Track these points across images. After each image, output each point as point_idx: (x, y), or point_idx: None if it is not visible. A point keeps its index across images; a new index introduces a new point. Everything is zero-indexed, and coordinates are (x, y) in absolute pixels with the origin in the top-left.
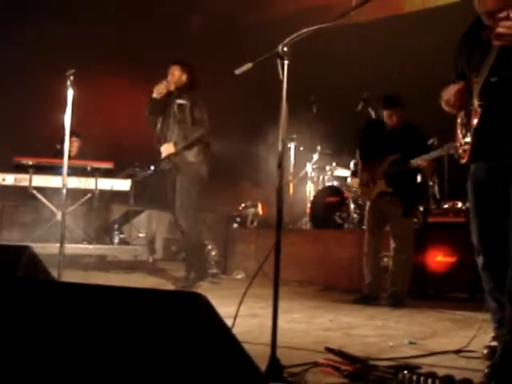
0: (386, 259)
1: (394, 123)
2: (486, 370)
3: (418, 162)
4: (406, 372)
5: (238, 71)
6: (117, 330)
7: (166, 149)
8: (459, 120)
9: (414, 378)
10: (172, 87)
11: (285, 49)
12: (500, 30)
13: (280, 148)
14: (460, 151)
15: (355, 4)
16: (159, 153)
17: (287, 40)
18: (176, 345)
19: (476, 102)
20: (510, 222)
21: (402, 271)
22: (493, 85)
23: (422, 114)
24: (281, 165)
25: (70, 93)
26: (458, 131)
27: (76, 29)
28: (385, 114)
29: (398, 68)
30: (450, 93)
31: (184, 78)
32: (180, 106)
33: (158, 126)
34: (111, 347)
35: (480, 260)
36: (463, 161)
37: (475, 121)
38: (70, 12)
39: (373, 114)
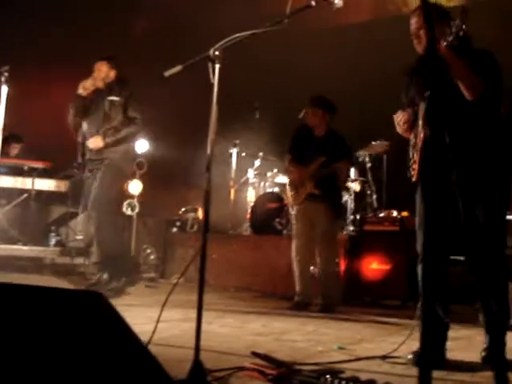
0: (312, 267)
1: (316, 125)
2: None
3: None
4: (328, 376)
5: (167, 73)
6: (13, 326)
7: (94, 142)
8: (411, 142)
9: (336, 382)
10: (100, 84)
11: (216, 52)
12: None
13: (208, 151)
14: (411, 170)
15: (289, 12)
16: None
17: (219, 44)
18: (73, 342)
19: (420, 122)
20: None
21: (331, 281)
22: (435, 110)
23: (362, 123)
24: (209, 168)
25: (4, 90)
26: (410, 152)
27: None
28: (308, 112)
29: (343, 77)
30: (399, 118)
31: (112, 74)
32: (111, 102)
33: (85, 125)
34: (7, 343)
35: (424, 264)
36: (414, 179)
37: (422, 139)
38: (13, 11)
39: None
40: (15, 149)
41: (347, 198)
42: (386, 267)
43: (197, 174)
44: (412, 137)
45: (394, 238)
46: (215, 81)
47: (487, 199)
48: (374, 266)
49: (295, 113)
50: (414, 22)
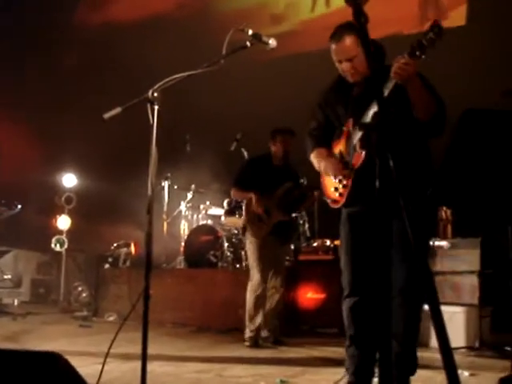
0: None
1: (285, 151)
2: None
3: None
4: None
5: (106, 116)
6: None
7: None
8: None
9: None
10: None
11: (155, 94)
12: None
13: (150, 192)
14: (335, 195)
15: (225, 53)
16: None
17: (157, 85)
18: None
19: (358, 145)
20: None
21: (278, 309)
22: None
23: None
24: (150, 210)
25: None
26: (331, 180)
27: None
28: (282, 139)
29: (274, 111)
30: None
31: None
32: None
33: None
34: None
35: (350, 301)
36: (337, 205)
37: (359, 161)
38: None
39: (245, 154)
40: None
41: None
42: (321, 296)
43: (128, 208)
44: (333, 162)
45: (328, 267)
46: (154, 122)
47: (414, 224)
48: (309, 295)
49: (227, 145)
50: (335, 54)
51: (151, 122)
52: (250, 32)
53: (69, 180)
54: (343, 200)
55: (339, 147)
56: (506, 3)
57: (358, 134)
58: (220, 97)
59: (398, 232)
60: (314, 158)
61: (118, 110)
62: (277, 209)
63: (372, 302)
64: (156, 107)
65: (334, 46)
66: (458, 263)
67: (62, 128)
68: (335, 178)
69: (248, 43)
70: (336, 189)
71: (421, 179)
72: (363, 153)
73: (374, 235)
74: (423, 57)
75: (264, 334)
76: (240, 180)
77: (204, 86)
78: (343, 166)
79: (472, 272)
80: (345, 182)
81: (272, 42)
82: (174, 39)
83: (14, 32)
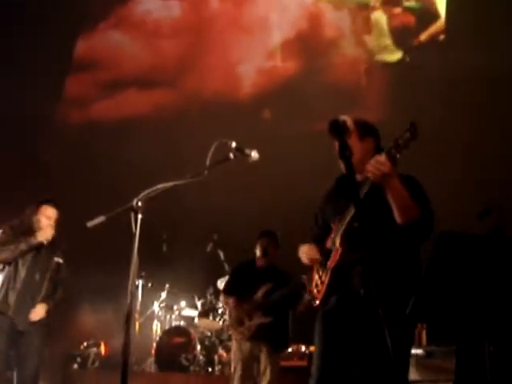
0: None
1: (263, 250)
2: None
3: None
4: None
5: (90, 224)
6: None
7: (38, 312)
8: (316, 266)
9: None
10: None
11: (139, 203)
12: (368, 167)
13: (128, 300)
14: (314, 291)
15: (209, 164)
16: None
17: (142, 195)
18: None
19: (338, 241)
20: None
21: None
22: (354, 230)
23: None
24: (129, 319)
25: None
26: (315, 271)
27: None
28: (261, 241)
29: (253, 207)
30: (304, 251)
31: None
32: (58, 264)
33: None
34: None
35: None
36: (316, 302)
37: (335, 258)
38: None
39: (221, 255)
40: None
41: None
42: None
43: (98, 303)
44: (320, 259)
45: (303, 374)
46: (137, 231)
47: (392, 332)
48: None
49: (203, 246)
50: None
51: (134, 230)
52: (234, 145)
53: None
54: (320, 296)
55: (328, 244)
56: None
57: (340, 230)
58: (197, 197)
59: (371, 343)
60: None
61: (101, 218)
62: (256, 311)
63: None
64: (140, 216)
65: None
66: (433, 373)
67: None
68: (310, 263)
69: (231, 155)
70: (316, 285)
71: (399, 291)
72: (339, 250)
73: (346, 335)
74: (398, 156)
75: None
76: (226, 287)
77: (182, 186)
78: (323, 258)
79: (448, 381)
80: (323, 279)
81: (254, 155)
82: (152, 140)
83: None
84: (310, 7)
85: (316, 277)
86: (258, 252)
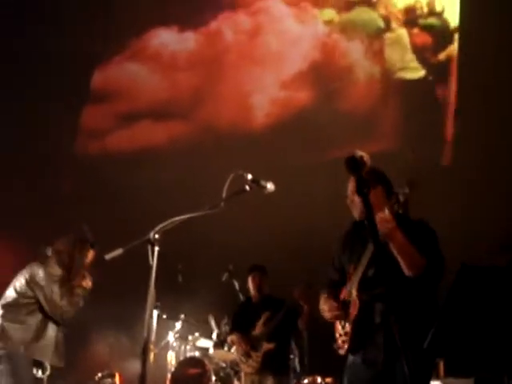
0: None
1: (257, 287)
2: None
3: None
4: None
5: (108, 256)
6: None
7: None
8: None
9: None
10: None
11: (156, 236)
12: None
13: (145, 333)
14: (339, 342)
15: (225, 196)
16: None
17: (159, 227)
18: None
19: (354, 293)
20: None
21: None
22: (370, 277)
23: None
24: (146, 352)
25: None
26: (338, 326)
27: None
28: (251, 276)
29: (266, 237)
30: (324, 307)
31: None
32: None
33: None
34: None
35: None
36: (342, 351)
37: (354, 312)
38: None
39: (236, 286)
40: None
41: None
42: None
43: (114, 333)
44: (337, 312)
45: None
46: (154, 263)
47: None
48: None
49: (219, 276)
50: (349, 185)
51: (151, 262)
52: (250, 177)
53: None
54: (345, 347)
55: (344, 293)
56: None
57: (355, 281)
58: (212, 226)
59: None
60: (320, 304)
61: (119, 251)
62: (260, 340)
63: None
64: (156, 249)
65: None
66: None
67: None
68: (331, 319)
69: (247, 187)
70: (340, 335)
71: (418, 325)
72: (357, 303)
73: None
74: (400, 211)
75: None
76: (232, 325)
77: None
78: (342, 311)
79: None
80: (347, 330)
81: (270, 186)
82: (167, 171)
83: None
84: (323, 37)
85: (339, 327)
86: (251, 288)
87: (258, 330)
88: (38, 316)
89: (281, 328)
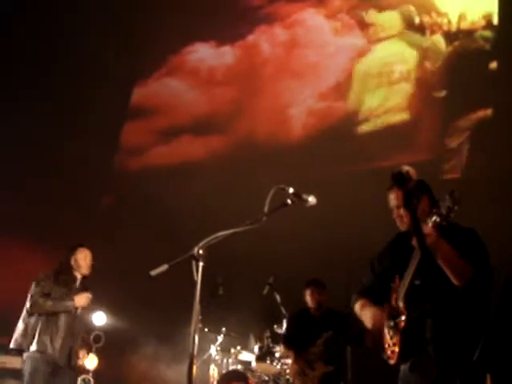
0: None
1: (317, 303)
2: None
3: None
4: None
5: (153, 272)
6: None
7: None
8: (385, 322)
9: None
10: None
11: (200, 251)
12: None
13: (191, 349)
14: (388, 352)
15: (267, 210)
16: None
17: (203, 243)
18: None
19: (401, 304)
20: None
21: None
22: (416, 287)
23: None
24: (191, 368)
25: None
26: (386, 332)
27: None
28: (310, 291)
29: (306, 249)
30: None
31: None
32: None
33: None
34: None
35: None
36: (392, 361)
37: (402, 324)
38: None
39: (278, 298)
40: None
41: None
42: None
43: (155, 351)
44: (388, 316)
45: None
46: (198, 279)
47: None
48: None
49: (260, 289)
50: (392, 198)
51: (195, 278)
52: (291, 190)
53: (99, 318)
54: (395, 358)
55: (388, 307)
56: None
57: (402, 291)
58: (253, 239)
59: None
60: (358, 309)
61: (164, 266)
62: (319, 361)
63: None
64: (201, 264)
65: (389, 192)
66: None
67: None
68: (376, 328)
69: (289, 201)
70: (389, 345)
71: (469, 340)
72: (405, 315)
73: None
74: (444, 223)
75: None
76: (285, 337)
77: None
78: (391, 321)
79: None
80: (395, 340)
81: (312, 200)
82: (208, 185)
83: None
84: (361, 48)
85: (387, 337)
86: (309, 301)
87: (318, 348)
88: None
89: (344, 350)
